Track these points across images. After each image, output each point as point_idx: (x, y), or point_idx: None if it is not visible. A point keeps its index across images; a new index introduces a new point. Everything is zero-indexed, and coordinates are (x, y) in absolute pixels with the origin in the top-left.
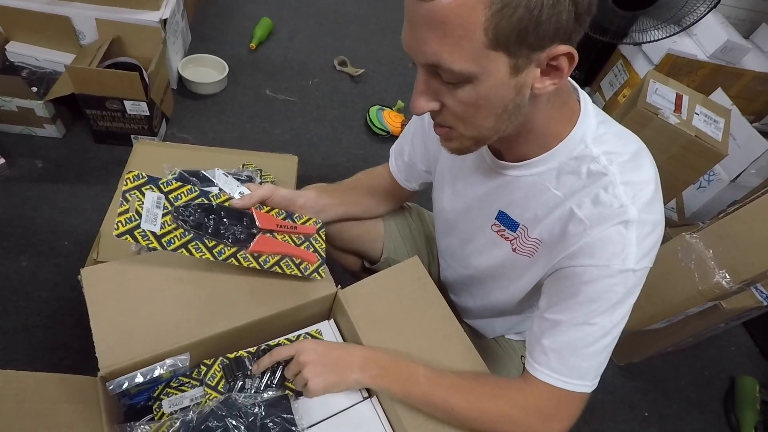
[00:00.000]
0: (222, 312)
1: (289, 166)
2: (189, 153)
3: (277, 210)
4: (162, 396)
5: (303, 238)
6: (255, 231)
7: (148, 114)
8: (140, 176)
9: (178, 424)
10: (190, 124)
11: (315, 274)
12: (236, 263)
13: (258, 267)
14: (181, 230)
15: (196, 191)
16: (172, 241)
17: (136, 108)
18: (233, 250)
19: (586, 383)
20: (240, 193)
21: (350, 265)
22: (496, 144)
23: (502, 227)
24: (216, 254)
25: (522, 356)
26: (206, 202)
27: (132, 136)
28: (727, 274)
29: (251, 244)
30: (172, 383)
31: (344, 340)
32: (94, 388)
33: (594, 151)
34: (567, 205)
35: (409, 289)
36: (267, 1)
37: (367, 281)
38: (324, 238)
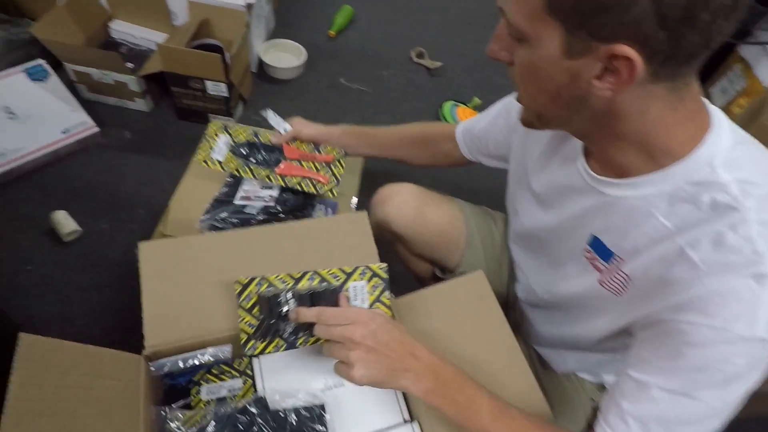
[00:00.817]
0: None
1: (355, 160)
2: (264, 134)
3: (306, 144)
4: (202, 381)
5: (324, 165)
6: (283, 159)
7: (226, 95)
8: (218, 124)
9: (210, 415)
10: (265, 108)
11: (328, 192)
12: (269, 181)
13: (283, 184)
14: (236, 160)
15: (250, 132)
16: (229, 166)
17: (216, 88)
18: (267, 172)
19: None
20: (284, 129)
21: (421, 271)
22: (589, 149)
23: (595, 255)
24: (255, 174)
25: (592, 398)
26: (255, 140)
27: (210, 115)
28: None
29: (277, 168)
30: (213, 369)
31: None
32: (137, 366)
33: (723, 177)
34: (677, 241)
35: (470, 307)
36: None
37: (424, 292)
38: (343, 164)
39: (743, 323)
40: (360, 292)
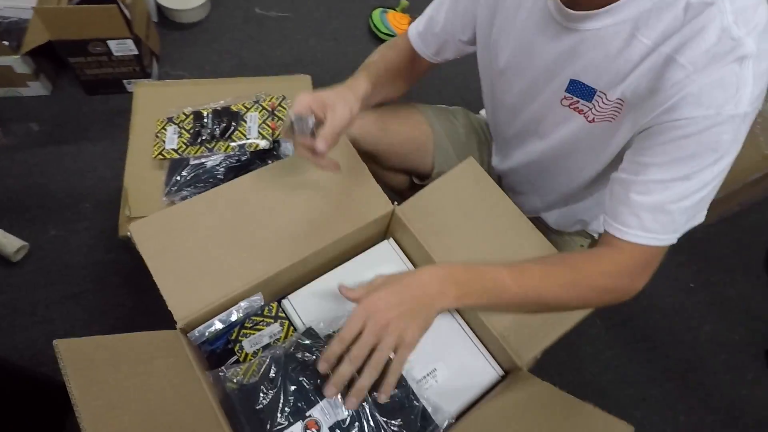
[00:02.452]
0: (284, 247)
1: (305, 88)
2: (196, 89)
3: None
4: (240, 338)
5: (269, 112)
6: (234, 124)
7: (136, 53)
8: (163, 120)
9: (267, 361)
10: (182, 59)
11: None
12: (230, 152)
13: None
14: (189, 145)
15: (190, 111)
16: (187, 152)
17: (123, 48)
18: (225, 144)
19: (675, 235)
20: (311, 125)
21: (398, 183)
22: None
23: (575, 98)
24: (214, 150)
25: (581, 245)
26: (201, 114)
27: (124, 81)
28: None
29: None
30: (246, 324)
31: (408, 256)
32: (178, 341)
33: None
34: (662, 51)
35: (470, 193)
36: None
37: (423, 193)
38: (285, 106)
39: (731, 104)
40: (254, 119)
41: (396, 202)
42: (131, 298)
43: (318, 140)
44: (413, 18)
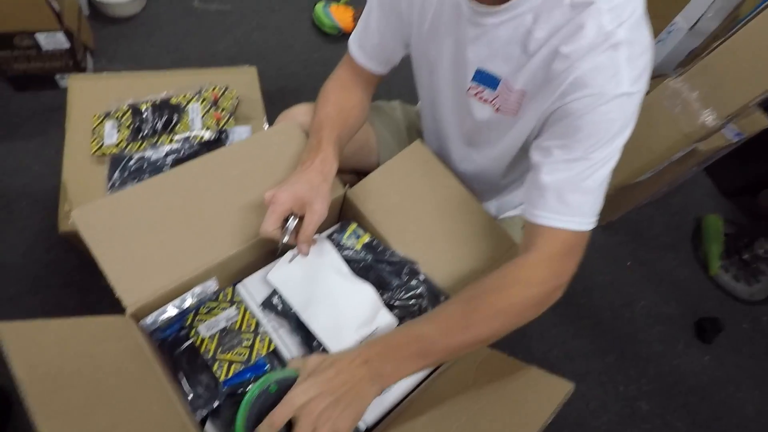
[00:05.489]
0: (236, 228)
1: (250, 80)
2: (135, 82)
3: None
4: (196, 323)
5: (212, 102)
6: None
7: (68, 46)
8: (100, 115)
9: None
10: (119, 54)
11: (228, 123)
12: (167, 143)
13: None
14: (130, 141)
15: (127, 106)
16: (126, 146)
17: (53, 41)
18: (168, 136)
19: (587, 219)
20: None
21: (347, 181)
22: None
23: (481, 87)
24: (158, 143)
25: (523, 226)
26: (139, 108)
27: (57, 76)
28: (713, 112)
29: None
30: (201, 310)
31: None
32: (128, 326)
33: None
34: (551, 44)
35: (419, 174)
36: None
37: (374, 175)
38: (229, 96)
39: (612, 84)
40: (196, 110)
41: (348, 185)
42: (75, 299)
43: (301, 246)
44: (356, 10)
